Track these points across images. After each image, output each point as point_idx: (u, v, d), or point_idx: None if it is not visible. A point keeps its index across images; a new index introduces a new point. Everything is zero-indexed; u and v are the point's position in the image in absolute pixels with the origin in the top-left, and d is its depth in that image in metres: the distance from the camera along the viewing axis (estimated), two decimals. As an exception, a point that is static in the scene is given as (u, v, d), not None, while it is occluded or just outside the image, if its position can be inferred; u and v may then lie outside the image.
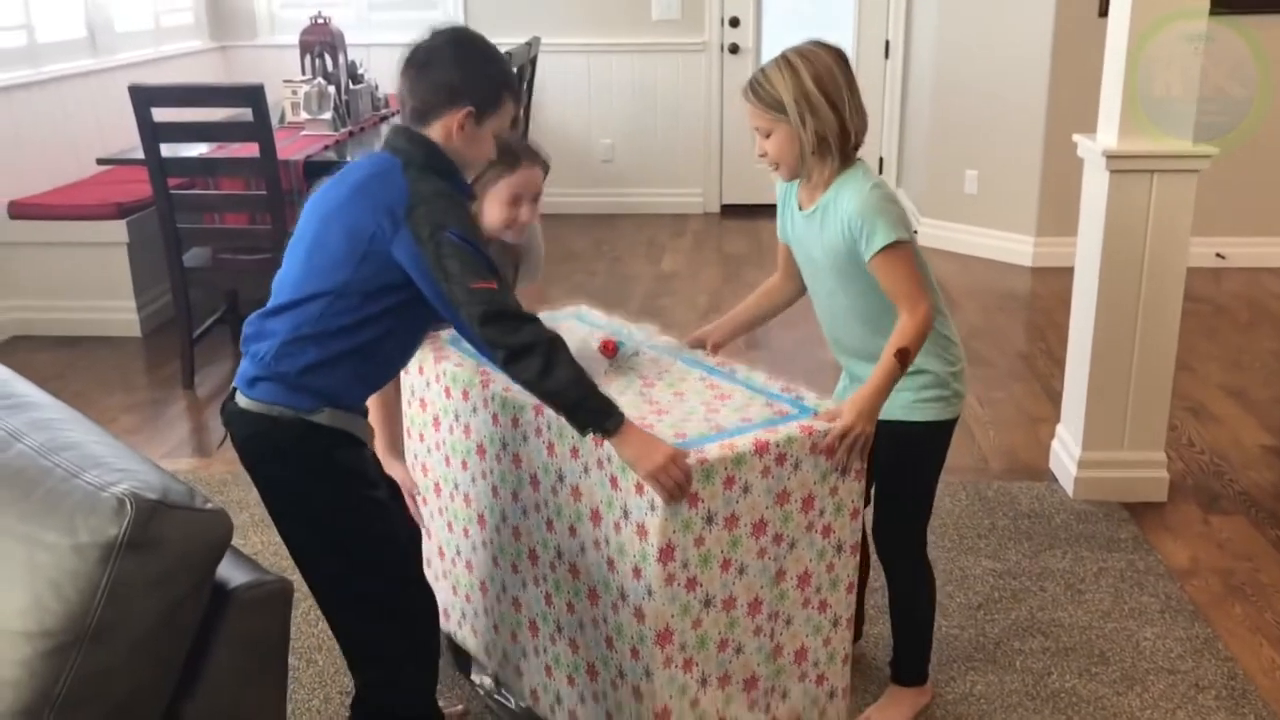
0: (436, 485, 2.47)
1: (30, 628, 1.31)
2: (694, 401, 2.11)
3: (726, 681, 2.05)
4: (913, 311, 2.12)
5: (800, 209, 2.28)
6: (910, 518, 2.40)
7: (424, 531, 2.45)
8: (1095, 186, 3.29)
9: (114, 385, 4.41)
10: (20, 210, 4.86)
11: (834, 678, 2.21)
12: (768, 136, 2.17)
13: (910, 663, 2.51)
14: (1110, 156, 3.17)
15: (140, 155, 4.19)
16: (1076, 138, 3.39)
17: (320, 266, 1.91)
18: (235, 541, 1.52)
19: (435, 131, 1.95)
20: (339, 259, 1.89)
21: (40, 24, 5.26)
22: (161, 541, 1.34)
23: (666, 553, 1.89)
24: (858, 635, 2.68)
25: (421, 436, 2.48)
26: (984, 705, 2.51)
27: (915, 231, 2.17)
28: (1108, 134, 3.24)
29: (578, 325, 2.48)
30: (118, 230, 4.82)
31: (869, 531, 2.46)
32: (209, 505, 1.43)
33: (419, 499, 2.44)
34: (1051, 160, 5.70)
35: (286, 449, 1.95)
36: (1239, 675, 2.60)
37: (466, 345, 2.09)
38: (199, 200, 4.42)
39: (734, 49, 6.89)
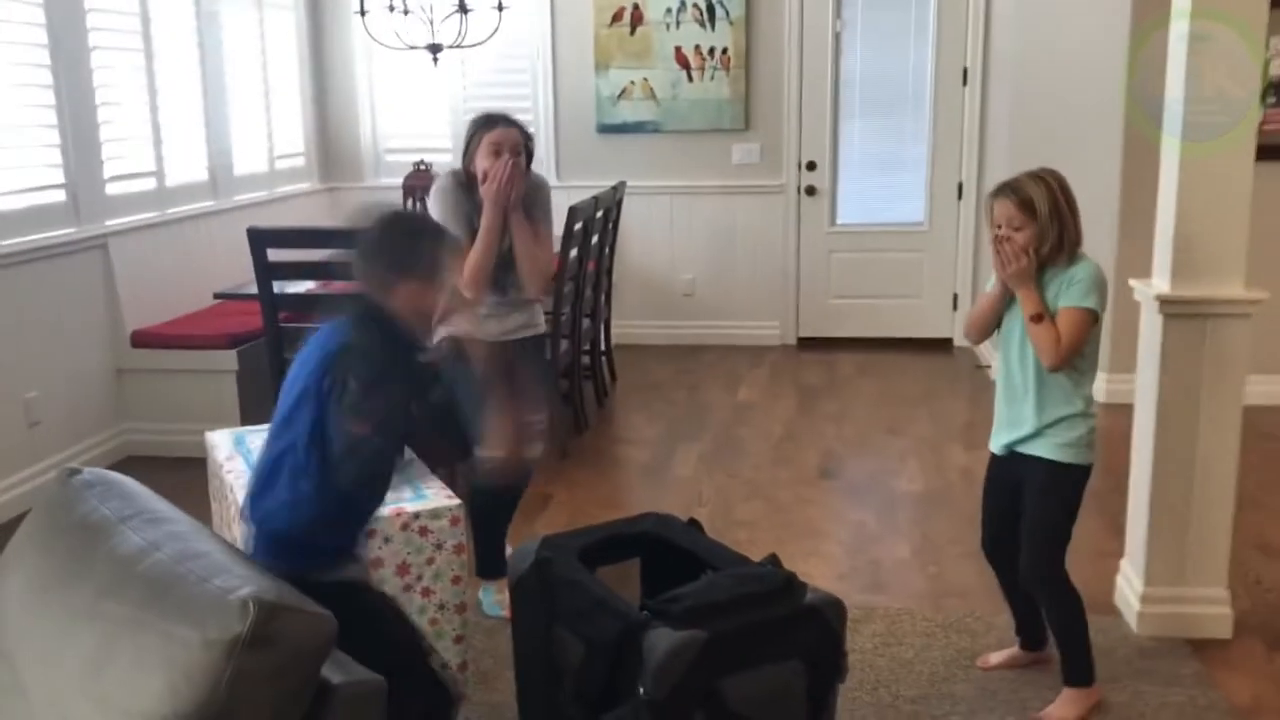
0: None
1: (165, 711, 1.51)
2: None
3: None
4: (1055, 355, 2.81)
5: None
6: (1051, 547, 2.94)
7: None
8: (1150, 329, 3.42)
9: (219, 504, 4.68)
10: (141, 339, 5.26)
11: None
12: (1017, 230, 2.80)
13: (1074, 668, 3.01)
14: (1163, 301, 3.31)
15: (254, 290, 4.56)
16: (1133, 283, 3.54)
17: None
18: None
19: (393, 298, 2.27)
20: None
21: (169, 170, 5.74)
22: (278, 639, 1.55)
23: None
24: (1041, 643, 3.25)
25: None
26: (1040, 833, 2.57)
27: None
28: (1161, 278, 3.39)
29: None
30: (228, 359, 5.17)
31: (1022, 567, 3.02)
32: (317, 609, 1.63)
33: None
34: (1120, 299, 5.74)
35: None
36: (1298, 813, 2.63)
37: None
38: (304, 333, 4.75)
39: (810, 190, 7.17)
